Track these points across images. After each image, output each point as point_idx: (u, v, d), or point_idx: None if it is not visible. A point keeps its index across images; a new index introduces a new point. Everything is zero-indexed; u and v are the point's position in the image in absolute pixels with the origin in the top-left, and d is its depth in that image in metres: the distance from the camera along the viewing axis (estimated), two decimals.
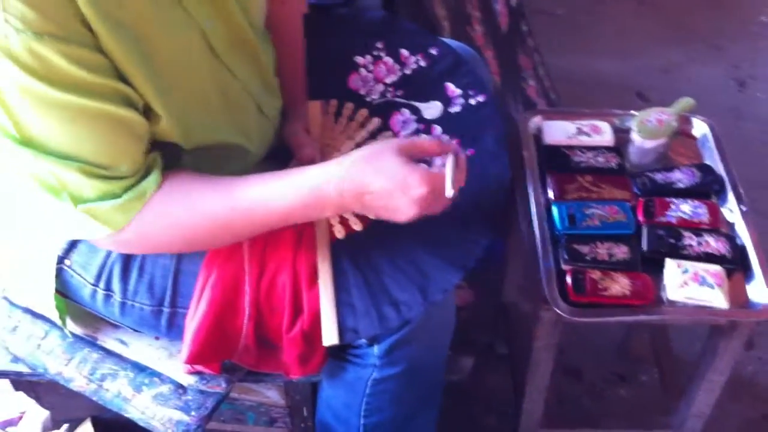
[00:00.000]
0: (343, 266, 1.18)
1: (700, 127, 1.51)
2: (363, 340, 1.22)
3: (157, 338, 1.33)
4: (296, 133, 1.29)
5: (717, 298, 1.25)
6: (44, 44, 0.94)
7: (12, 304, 1.37)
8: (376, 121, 1.30)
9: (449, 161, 1.04)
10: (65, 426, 1.50)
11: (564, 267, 1.30)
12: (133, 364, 1.32)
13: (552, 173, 1.42)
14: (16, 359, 1.36)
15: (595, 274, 1.28)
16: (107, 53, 1.00)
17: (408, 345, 1.21)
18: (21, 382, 1.43)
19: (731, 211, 1.38)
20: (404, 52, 1.33)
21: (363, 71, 1.33)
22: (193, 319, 1.20)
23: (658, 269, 1.30)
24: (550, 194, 1.39)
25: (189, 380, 1.29)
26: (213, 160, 1.20)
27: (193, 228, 1.08)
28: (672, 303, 1.27)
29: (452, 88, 1.30)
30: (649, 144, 1.47)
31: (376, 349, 1.22)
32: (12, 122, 0.99)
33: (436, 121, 1.29)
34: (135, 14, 1.02)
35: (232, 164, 1.23)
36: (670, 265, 1.29)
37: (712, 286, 1.26)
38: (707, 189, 1.41)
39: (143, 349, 1.32)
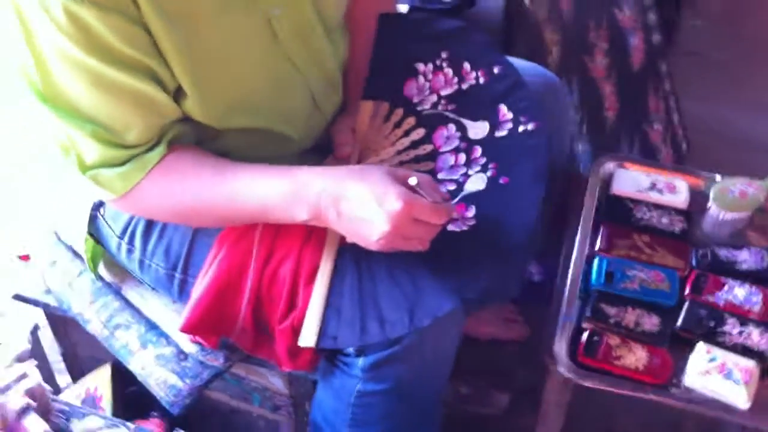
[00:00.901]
0: (343, 270, 1.16)
1: None
2: (351, 350, 1.19)
3: (174, 301, 1.35)
4: (341, 130, 1.28)
5: (738, 396, 1.14)
6: (83, 7, 0.98)
7: (59, 239, 1.44)
8: (420, 132, 1.27)
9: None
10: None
11: (584, 324, 1.22)
12: (147, 321, 1.36)
13: (607, 224, 1.34)
14: (48, 291, 1.43)
15: (614, 340, 1.20)
16: (147, 27, 1.03)
17: (395, 364, 1.18)
18: (52, 316, 1.50)
19: None
20: (467, 66, 1.29)
21: (421, 79, 1.30)
22: (196, 291, 1.21)
23: (687, 351, 1.19)
24: (598, 246, 1.31)
25: (191, 349, 1.32)
26: (252, 143, 1.22)
27: (183, 204, 1.11)
28: (688, 390, 1.16)
29: (504, 111, 1.25)
30: (726, 216, 1.35)
31: (361, 362, 1.19)
32: (40, 75, 1.04)
33: (479, 142, 1.24)
34: None
35: (271, 149, 1.24)
36: (700, 349, 1.18)
37: (737, 382, 1.14)
38: None
39: (159, 308, 1.36)
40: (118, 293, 1.38)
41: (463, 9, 1.72)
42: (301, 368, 1.24)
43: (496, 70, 1.28)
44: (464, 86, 1.28)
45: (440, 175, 1.23)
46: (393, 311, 1.11)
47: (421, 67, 1.30)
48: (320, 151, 1.30)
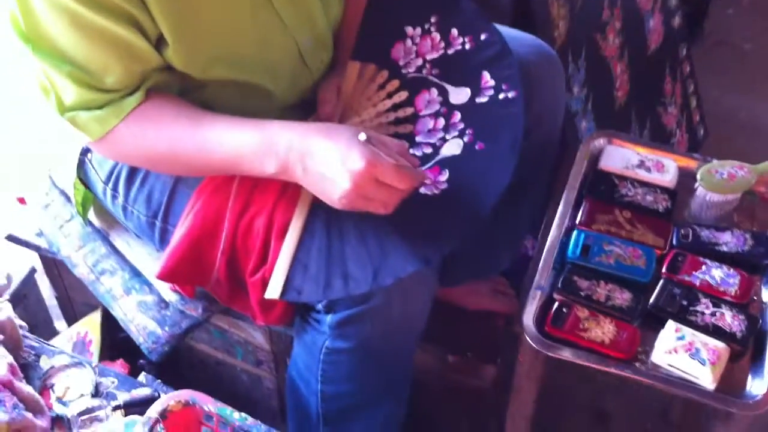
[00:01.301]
0: (314, 226, 1.17)
1: None
2: (320, 306, 1.21)
3: (157, 250, 1.38)
4: (326, 88, 1.29)
5: (703, 376, 1.13)
6: None
7: (53, 183, 1.47)
8: (403, 95, 1.27)
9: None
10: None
11: (555, 295, 1.22)
12: (132, 268, 1.39)
13: (590, 199, 1.33)
14: (40, 234, 1.46)
15: (582, 312, 1.19)
16: None
17: (361, 323, 1.19)
18: (46, 259, 1.54)
19: None
20: (454, 31, 1.29)
21: (409, 42, 1.30)
22: (173, 239, 1.23)
23: (659, 329, 1.18)
24: (578, 219, 1.30)
25: (172, 297, 1.34)
26: (235, 96, 1.23)
27: (157, 151, 1.13)
28: (654, 366, 1.16)
29: (487, 78, 1.24)
30: (713, 197, 1.34)
31: (329, 318, 1.21)
32: (22, 15, 1.06)
33: (459, 107, 1.24)
34: None
35: (254, 104, 1.25)
36: (669, 328, 1.17)
37: (703, 362, 1.13)
38: (755, 261, 1.26)
39: (143, 256, 1.38)
40: (105, 239, 1.41)
41: None
42: (273, 323, 1.26)
43: (482, 37, 1.27)
44: (450, 51, 1.28)
45: (418, 138, 1.23)
46: (358, 269, 1.12)
47: (409, 30, 1.30)
48: (306, 108, 1.31)
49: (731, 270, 1.24)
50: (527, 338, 1.18)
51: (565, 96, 1.45)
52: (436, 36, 1.29)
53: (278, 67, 1.24)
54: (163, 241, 1.30)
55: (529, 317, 1.19)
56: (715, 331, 1.17)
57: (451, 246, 1.14)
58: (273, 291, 1.14)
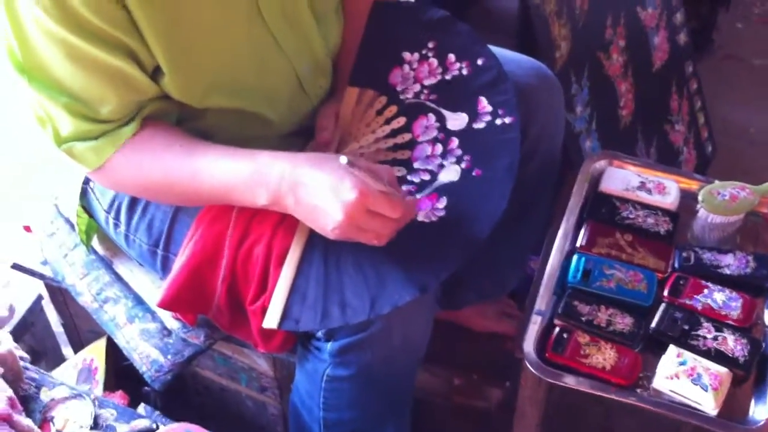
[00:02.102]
0: (312, 255, 1.17)
1: None
2: (320, 334, 1.21)
3: (160, 278, 1.39)
4: (324, 115, 1.29)
5: (705, 402, 1.12)
6: None
7: (58, 211, 1.48)
8: (401, 121, 1.27)
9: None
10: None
11: (555, 321, 1.22)
12: (135, 296, 1.39)
13: (591, 222, 1.32)
14: (45, 262, 1.47)
15: (583, 338, 1.19)
16: (125, 4, 1.05)
17: (362, 350, 1.19)
18: (51, 288, 1.55)
19: None
20: (451, 56, 1.29)
21: (406, 68, 1.30)
22: (174, 267, 1.24)
23: (661, 353, 1.17)
24: (579, 242, 1.30)
25: (174, 325, 1.35)
26: (232, 123, 1.24)
27: (153, 180, 1.13)
28: (656, 392, 1.15)
29: (484, 104, 1.25)
30: (714, 219, 1.33)
31: (329, 346, 1.20)
32: (19, 45, 1.07)
33: (457, 133, 1.24)
34: None
35: (252, 131, 1.26)
36: (671, 353, 1.16)
37: (705, 388, 1.12)
38: (758, 283, 1.25)
39: (146, 284, 1.39)
40: (109, 267, 1.42)
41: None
42: (274, 350, 1.26)
43: (479, 62, 1.28)
44: (447, 77, 1.28)
45: (416, 165, 1.23)
46: (355, 298, 1.12)
47: (407, 55, 1.31)
48: (305, 134, 1.31)
49: (733, 293, 1.23)
50: (528, 365, 1.17)
51: (564, 118, 1.44)
52: (434, 61, 1.29)
53: (276, 95, 1.24)
54: (165, 269, 1.30)
55: (529, 343, 1.19)
56: (717, 356, 1.16)
57: (448, 272, 1.13)
58: (271, 321, 1.14)
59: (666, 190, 1.36)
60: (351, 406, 1.28)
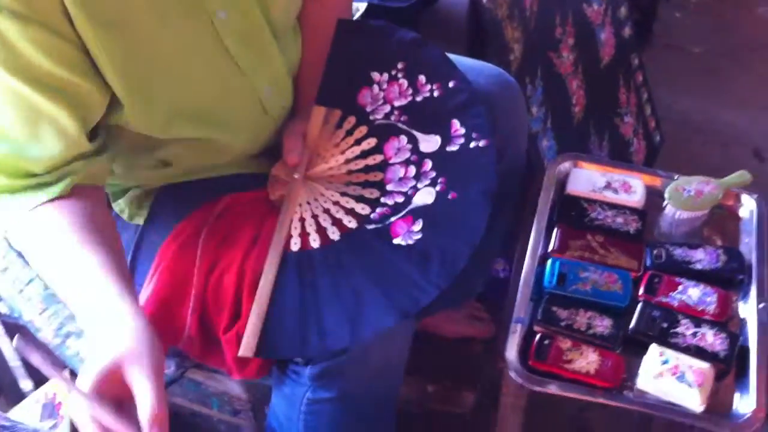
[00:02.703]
0: (286, 280, 1.14)
1: (748, 205, 1.35)
2: (299, 359, 1.18)
3: None
4: (291, 136, 1.26)
5: (691, 399, 1.12)
6: (3, 18, 0.95)
7: (10, 246, 1.42)
8: (371, 142, 1.25)
9: None
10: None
11: (535, 328, 1.21)
12: None
13: (561, 225, 1.32)
14: (0, 298, 1.41)
15: (565, 343, 1.18)
16: (78, 39, 1.00)
17: (341, 374, 1.16)
18: (6, 324, 1.49)
19: (748, 307, 1.23)
20: (422, 78, 1.27)
21: (376, 88, 1.28)
22: (140, 300, 1.20)
23: (642, 353, 1.18)
24: (551, 247, 1.29)
25: None
26: (193, 151, 1.20)
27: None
28: (641, 393, 1.15)
29: (457, 126, 1.23)
30: (681, 215, 1.34)
31: (308, 370, 1.18)
32: None
33: (430, 155, 1.22)
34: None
35: (212, 157, 1.22)
36: (653, 352, 1.17)
37: (690, 384, 1.13)
38: (730, 277, 1.26)
39: None
40: None
41: (426, 6, 1.69)
42: (250, 376, 1.22)
43: (451, 84, 1.26)
44: (418, 98, 1.26)
45: (389, 187, 1.21)
46: (334, 323, 1.10)
47: (376, 76, 1.28)
48: (270, 155, 1.28)
49: (708, 288, 1.24)
50: (512, 374, 1.16)
51: (527, 122, 1.44)
52: (404, 82, 1.27)
53: (238, 118, 1.20)
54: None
55: (511, 352, 1.18)
56: (698, 352, 1.17)
57: (429, 299, 1.11)
58: (247, 349, 1.11)
59: (632, 188, 1.36)
60: (332, 428, 1.25)
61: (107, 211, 1.13)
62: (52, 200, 1.04)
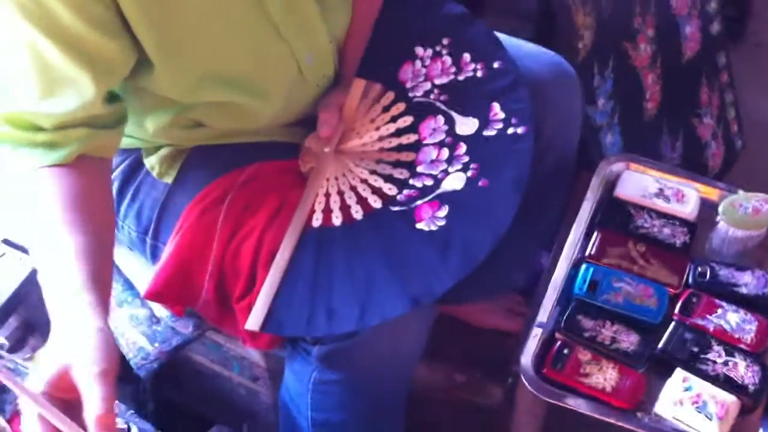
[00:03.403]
0: (302, 256, 1.12)
1: None
2: (308, 336, 1.16)
3: (152, 266, 1.34)
4: (327, 107, 1.22)
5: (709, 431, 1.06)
6: None
7: None
8: (407, 120, 1.21)
9: None
10: None
11: (557, 335, 1.15)
12: (126, 280, 1.35)
13: (602, 230, 1.25)
14: None
15: (585, 355, 1.12)
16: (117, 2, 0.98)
17: (349, 357, 1.14)
18: None
19: None
20: (467, 56, 1.21)
21: (418, 64, 1.23)
22: (161, 259, 1.19)
23: (668, 375, 1.11)
24: (588, 251, 1.23)
25: (163, 314, 1.30)
26: (226, 113, 1.18)
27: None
28: (658, 418, 1.09)
29: (496, 110, 1.17)
30: (735, 233, 1.25)
31: (315, 350, 1.16)
32: None
33: (465, 138, 1.17)
34: None
35: (246, 121, 1.20)
36: (677, 376, 1.10)
37: (710, 416, 1.06)
38: None
39: (137, 269, 1.34)
40: None
41: None
42: (262, 347, 1.21)
43: (496, 65, 1.20)
44: (460, 77, 1.21)
45: (419, 168, 1.17)
46: (343, 305, 1.07)
47: (420, 51, 1.23)
48: (308, 124, 1.25)
49: (748, 315, 1.16)
50: (523, 380, 1.12)
51: (581, 116, 1.37)
52: (447, 59, 1.22)
53: (272, 84, 1.17)
54: (155, 258, 1.26)
55: (527, 357, 1.13)
56: (726, 383, 1.10)
57: (443, 288, 1.07)
58: (253, 323, 1.09)
59: (685, 198, 1.28)
60: (339, 409, 1.23)
61: (108, 190, 1.10)
62: (52, 166, 1.01)
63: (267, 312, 1.09)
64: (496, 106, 1.17)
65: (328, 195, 1.18)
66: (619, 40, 1.68)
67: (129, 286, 1.34)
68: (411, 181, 1.16)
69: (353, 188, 1.17)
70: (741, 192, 1.27)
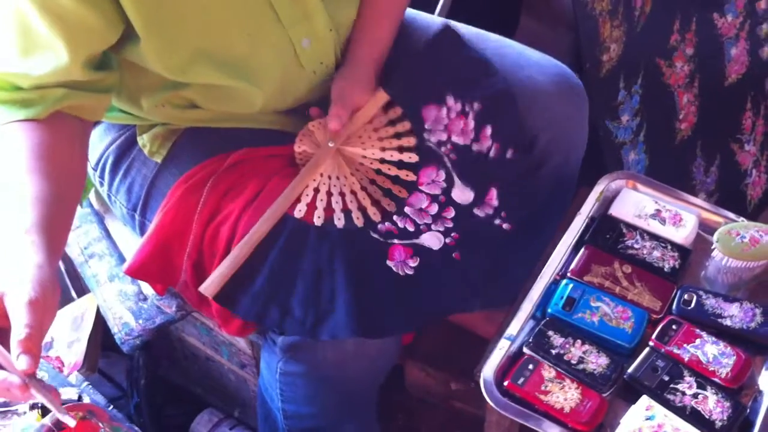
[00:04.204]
0: (274, 242, 1.12)
1: None
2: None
3: None
4: (342, 104, 1.21)
5: None
6: None
7: None
8: (413, 157, 1.21)
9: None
10: None
11: (524, 349, 1.13)
12: (119, 255, 1.38)
13: (590, 247, 1.21)
14: None
15: (549, 372, 1.09)
16: None
17: (311, 351, 1.15)
18: None
19: None
20: (488, 130, 1.23)
21: (444, 111, 1.23)
22: (144, 236, 1.21)
23: (633, 402, 1.07)
24: (572, 266, 1.20)
25: (151, 292, 1.32)
26: (218, 96, 1.19)
27: None
28: None
29: (492, 196, 1.20)
30: (730, 263, 1.20)
31: (279, 340, 1.16)
32: None
33: (456, 206, 1.19)
34: None
35: (238, 105, 1.21)
36: (641, 404, 1.06)
37: None
38: (761, 340, 1.13)
39: (130, 244, 1.37)
40: (101, 222, 1.41)
41: None
42: (232, 333, 1.22)
43: (508, 154, 1.22)
44: (474, 147, 1.22)
45: (407, 210, 1.18)
46: (300, 309, 1.08)
47: (450, 100, 1.24)
48: (303, 114, 1.25)
49: (728, 348, 1.10)
50: (483, 391, 1.09)
51: (586, 131, 1.33)
52: (471, 123, 1.22)
53: (269, 69, 1.18)
54: (142, 234, 1.27)
55: (490, 369, 1.10)
56: (692, 416, 1.05)
57: (390, 333, 1.11)
58: (207, 289, 1.10)
59: (682, 222, 1.23)
60: (307, 402, 1.23)
61: (79, 149, 1.11)
62: (25, 120, 1.04)
63: (225, 285, 1.10)
64: (493, 192, 1.20)
65: (317, 191, 1.18)
66: (652, 55, 1.63)
67: (122, 260, 1.37)
68: (395, 218, 1.17)
69: (342, 194, 1.18)
70: (741, 220, 1.22)
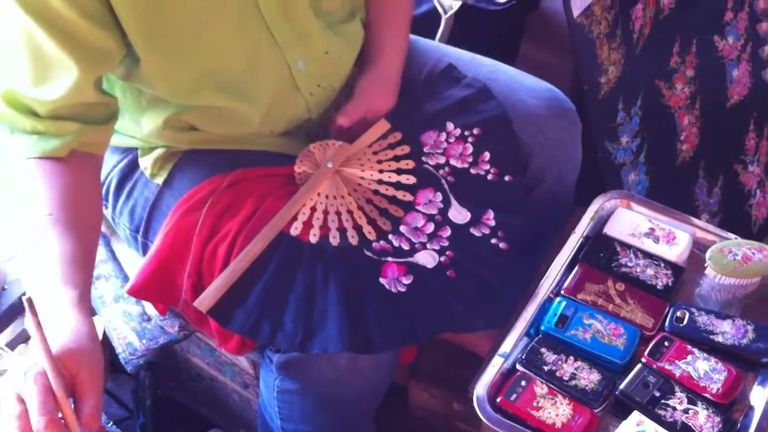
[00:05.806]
0: (269, 258, 1.14)
1: None
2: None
3: None
4: (357, 101, 1.27)
5: None
6: None
7: None
8: (410, 179, 1.24)
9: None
10: None
11: (517, 366, 1.14)
12: (125, 276, 1.40)
13: (583, 265, 1.23)
14: None
15: (541, 389, 1.11)
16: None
17: (305, 368, 1.16)
18: None
19: (763, 393, 1.10)
20: (486, 155, 1.26)
21: (443, 136, 1.27)
22: (146, 256, 1.24)
23: (625, 417, 1.08)
24: (566, 284, 1.21)
25: (154, 312, 1.34)
26: (215, 117, 1.22)
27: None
28: None
29: (489, 217, 1.21)
30: (723, 280, 1.21)
31: (275, 357, 1.18)
32: None
33: (452, 225, 1.21)
34: None
35: (235, 127, 1.24)
36: (632, 420, 1.07)
37: None
38: (751, 357, 1.13)
39: (135, 264, 1.39)
40: (107, 244, 1.44)
41: (526, 11, 1.63)
42: (232, 351, 1.23)
43: (506, 178, 1.24)
44: (472, 171, 1.25)
45: (402, 228, 1.20)
46: (291, 323, 1.09)
47: (450, 126, 1.27)
48: (303, 137, 1.29)
49: (719, 364, 1.11)
50: (475, 407, 1.10)
51: (579, 153, 1.35)
52: (469, 148, 1.26)
53: (265, 91, 1.21)
54: (145, 255, 1.30)
55: (483, 385, 1.12)
56: (683, 431, 1.06)
57: (384, 350, 1.12)
58: (202, 303, 1.13)
59: (675, 240, 1.25)
60: (304, 420, 1.25)
61: (97, 188, 1.15)
62: (47, 158, 1.06)
63: (220, 300, 1.12)
64: (490, 213, 1.22)
65: (314, 209, 1.20)
66: (651, 78, 1.65)
67: (127, 282, 1.39)
68: (390, 237, 1.18)
69: (338, 213, 1.20)
70: (734, 238, 1.23)
